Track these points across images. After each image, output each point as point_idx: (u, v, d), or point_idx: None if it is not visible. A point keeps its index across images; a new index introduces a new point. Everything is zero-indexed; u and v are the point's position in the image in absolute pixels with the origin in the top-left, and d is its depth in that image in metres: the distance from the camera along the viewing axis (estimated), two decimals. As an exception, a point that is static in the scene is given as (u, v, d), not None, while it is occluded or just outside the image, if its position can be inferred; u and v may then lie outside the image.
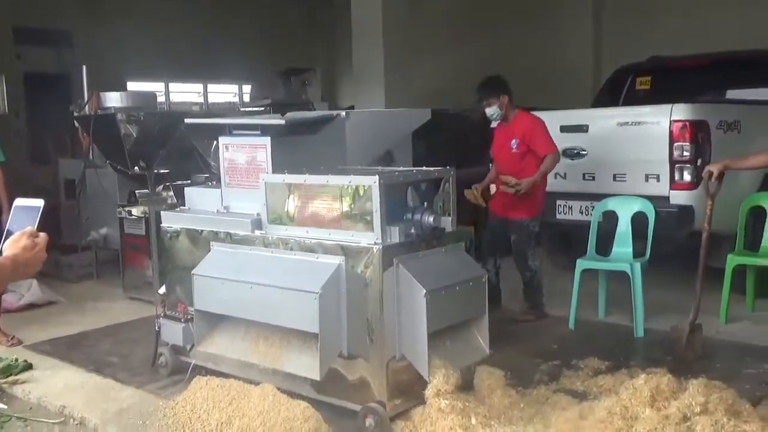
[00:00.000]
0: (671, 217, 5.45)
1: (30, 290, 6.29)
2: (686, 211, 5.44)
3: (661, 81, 7.23)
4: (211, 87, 15.92)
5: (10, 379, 4.52)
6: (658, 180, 5.59)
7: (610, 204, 5.53)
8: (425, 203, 3.81)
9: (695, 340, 4.53)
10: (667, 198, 5.52)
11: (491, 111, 5.42)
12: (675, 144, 5.47)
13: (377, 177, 3.48)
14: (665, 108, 5.56)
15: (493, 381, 3.75)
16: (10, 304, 6.05)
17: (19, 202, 1.93)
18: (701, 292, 4.54)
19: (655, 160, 5.56)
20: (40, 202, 1.91)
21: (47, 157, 10.95)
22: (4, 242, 1.82)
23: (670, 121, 5.48)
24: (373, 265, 3.46)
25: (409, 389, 3.58)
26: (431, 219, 3.68)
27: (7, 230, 1.86)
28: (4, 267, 1.74)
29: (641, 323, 5.06)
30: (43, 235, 1.86)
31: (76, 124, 7.50)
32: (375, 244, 3.47)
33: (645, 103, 6.41)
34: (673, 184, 5.52)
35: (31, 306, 6.27)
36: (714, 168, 4.49)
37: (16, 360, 4.76)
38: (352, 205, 3.58)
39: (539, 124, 5.37)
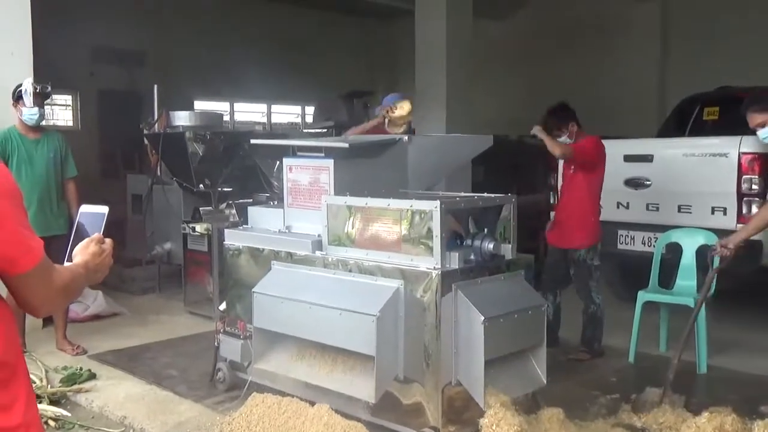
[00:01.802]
0: (737, 252, 5.30)
1: (95, 301, 6.47)
2: (753, 246, 5.28)
3: (729, 112, 7.07)
4: (274, 107, 16.23)
5: (75, 387, 4.64)
6: (725, 213, 5.47)
7: (674, 236, 5.42)
8: (485, 230, 3.81)
9: None
10: (734, 232, 5.39)
11: (561, 141, 5.16)
12: (743, 177, 5.35)
13: (438, 202, 3.49)
14: (734, 140, 5.45)
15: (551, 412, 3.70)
16: (76, 314, 6.23)
17: (85, 208, 1.96)
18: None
19: (722, 193, 5.45)
20: (104, 209, 1.94)
21: (116, 172, 11.31)
22: (71, 248, 1.87)
23: (739, 153, 5.37)
24: (432, 290, 3.46)
25: (464, 416, 3.56)
26: (491, 246, 3.68)
27: (73, 236, 1.90)
28: (80, 274, 1.78)
29: (704, 359, 4.93)
30: (109, 240, 1.89)
31: (146, 141, 7.73)
32: (434, 269, 3.47)
33: (712, 134, 6.29)
34: (741, 218, 5.39)
35: (96, 317, 6.44)
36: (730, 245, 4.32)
37: (81, 369, 4.91)
38: (412, 229, 3.60)
39: (591, 140, 5.19)
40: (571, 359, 5.19)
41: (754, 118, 4.17)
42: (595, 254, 5.24)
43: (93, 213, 1.94)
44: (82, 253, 1.83)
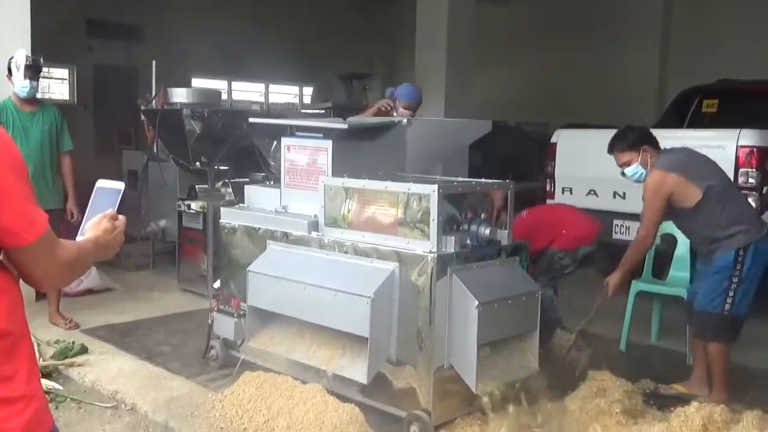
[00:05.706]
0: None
1: (89, 276, 6.44)
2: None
3: (728, 105, 7.08)
4: (271, 87, 16.15)
5: (67, 361, 4.64)
6: (721, 205, 5.46)
7: (669, 227, 5.40)
8: (482, 215, 3.81)
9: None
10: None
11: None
12: (741, 170, 5.35)
13: (436, 186, 3.49)
14: (733, 132, 5.45)
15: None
16: (69, 288, 6.20)
17: (101, 183, 1.93)
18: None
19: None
20: (121, 185, 1.92)
21: (111, 147, 11.27)
22: (85, 222, 1.85)
23: (737, 146, 5.37)
24: (427, 273, 3.46)
25: (456, 399, 3.58)
26: (488, 231, 3.68)
27: (88, 211, 1.87)
28: (88, 250, 1.77)
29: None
30: (122, 217, 1.88)
31: (143, 117, 7.69)
32: (430, 252, 3.48)
33: (711, 127, 6.30)
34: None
35: (89, 291, 6.43)
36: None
37: (73, 343, 4.90)
38: (409, 213, 3.59)
39: None
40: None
41: (619, 158, 4.27)
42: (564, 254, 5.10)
43: (109, 189, 1.92)
44: (93, 228, 1.82)
